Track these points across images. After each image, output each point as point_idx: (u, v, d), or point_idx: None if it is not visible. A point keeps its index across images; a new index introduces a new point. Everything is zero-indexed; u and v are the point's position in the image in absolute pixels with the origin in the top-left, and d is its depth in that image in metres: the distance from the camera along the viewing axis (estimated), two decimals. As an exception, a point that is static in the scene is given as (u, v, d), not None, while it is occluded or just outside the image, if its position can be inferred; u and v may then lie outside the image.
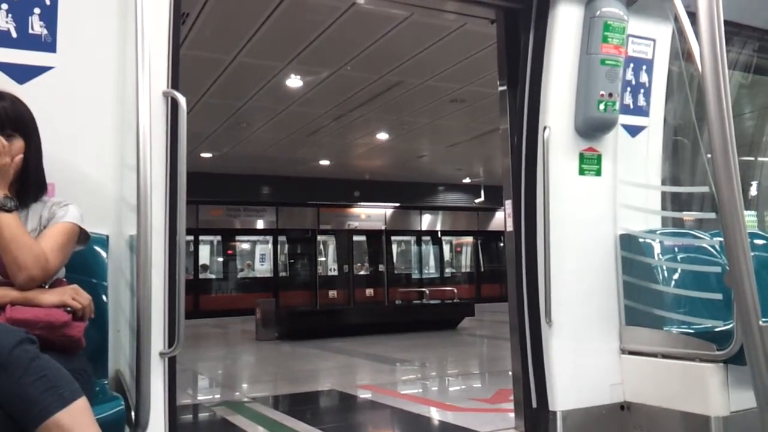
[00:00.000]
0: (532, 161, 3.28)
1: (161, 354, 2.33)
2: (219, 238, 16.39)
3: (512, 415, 3.50)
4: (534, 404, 3.23)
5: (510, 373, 3.53)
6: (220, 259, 16.57)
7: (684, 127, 3.97)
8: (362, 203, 17.58)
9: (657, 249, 3.31)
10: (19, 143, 1.92)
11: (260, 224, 16.75)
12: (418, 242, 18.83)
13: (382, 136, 12.28)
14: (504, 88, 3.52)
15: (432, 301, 12.75)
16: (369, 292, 17.29)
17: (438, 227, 18.92)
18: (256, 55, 7.55)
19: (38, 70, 2.23)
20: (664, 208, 3.57)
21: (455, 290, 14.21)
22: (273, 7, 6.31)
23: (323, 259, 17.42)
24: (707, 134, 2.04)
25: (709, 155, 2.25)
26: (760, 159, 4.74)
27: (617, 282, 3.31)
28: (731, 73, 4.07)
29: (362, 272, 17.71)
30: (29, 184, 1.96)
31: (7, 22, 2.19)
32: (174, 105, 2.38)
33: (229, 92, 8.99)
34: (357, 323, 10.46)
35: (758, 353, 1.99)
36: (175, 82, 2.43)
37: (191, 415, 4.63)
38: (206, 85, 8.65)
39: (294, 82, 8.72)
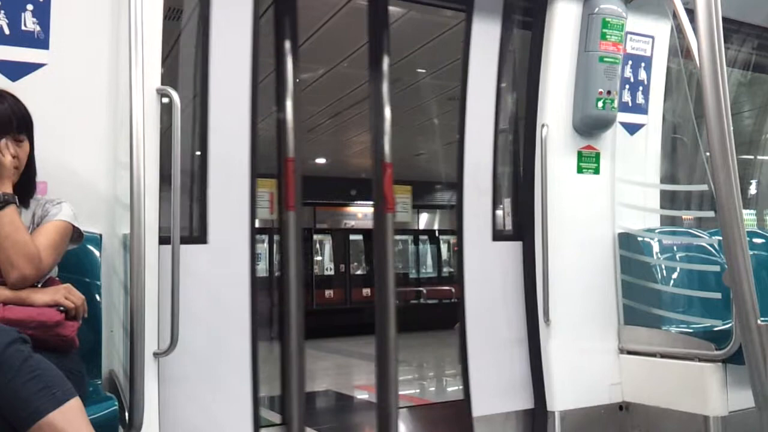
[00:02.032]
0: (530, 159, 3.28)
1: (155, 354, 2.32)
2: (216, 236, 16.34)
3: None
4: (532, 404, 3.22)
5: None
6: (217, 258, 16.51)
7: (683, 125, 3.96)
8: (359, 202, 17.55)
9: (656, 248, 3.30)
10: (26, 145, 1.91)
11: (255, 223, 16.70)
12: (416, 241, 18.80)
13: (380, 134, 12.27)
14: (502, 85, 3.50)
15: (429, 301, 12.72)
16: (365, 291, 17.25)
17: (435, 226, 18.90)
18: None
19: (31, 67, 2.21)
20: (662, 206, 3.56)
21: (453, 290, 14.20)
22: (268, 2, 6.29)
23: (319, 258, 17.38)
24: (706, 132, 2.02)
25: (707, 153, 2.24)
26: (759, 157, 4.74)
27: (616, 281, 3.30)
28: (730, 70, 4.06)
29: (359, 272, 17.68)
30: (29, 184, 1.95)
31: (-1, 19, 2.17)
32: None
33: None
34: (353, 323, 10.44)
35: (756, 353, 1.98)
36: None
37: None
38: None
39: (290, 79, 8.69)
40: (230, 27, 2.73)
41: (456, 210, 3.29)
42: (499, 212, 3.41)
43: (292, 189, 2.83)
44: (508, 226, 3.44)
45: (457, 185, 3.29)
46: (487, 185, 3.28)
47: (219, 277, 2.68)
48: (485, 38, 3.25)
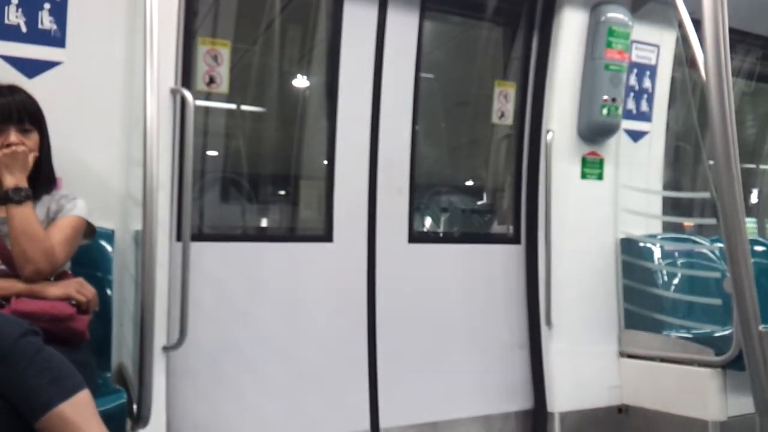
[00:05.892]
0: (534, 164, 3.30)
1: (164, 348, 2.35)
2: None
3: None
4: (532, 405, 3.25)
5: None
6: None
7: (686, 133, 3.98)
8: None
9: (657, 254, 3.32)
10: (35, 137, 1.93)
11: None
12: (420, 244, 18.67)
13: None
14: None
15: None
16: (367, 292, 17.16)
17: (440, 229, 18.82)
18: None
19: (47, 65, 2.23)
20: (665, 213, 3.58)
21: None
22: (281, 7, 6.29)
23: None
24: (709, 140, 2.05)
25: (711, 161, 2.26)
26: (761, 167, 4.75)
27: (617, 286, 3.32)
28: (734, 80, 4.07)
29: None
30: (42, 178, 1.97)
31: (17, 17, 2.19)
32: (182, 102, 2.39)
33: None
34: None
35: (758, 359, 2.00)
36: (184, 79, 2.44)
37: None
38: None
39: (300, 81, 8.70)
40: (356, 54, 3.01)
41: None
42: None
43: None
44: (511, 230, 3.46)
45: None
46: (404, 184, 3.17)
47: (341, 272, 2.97)
48: (402, 27, 3.13)
